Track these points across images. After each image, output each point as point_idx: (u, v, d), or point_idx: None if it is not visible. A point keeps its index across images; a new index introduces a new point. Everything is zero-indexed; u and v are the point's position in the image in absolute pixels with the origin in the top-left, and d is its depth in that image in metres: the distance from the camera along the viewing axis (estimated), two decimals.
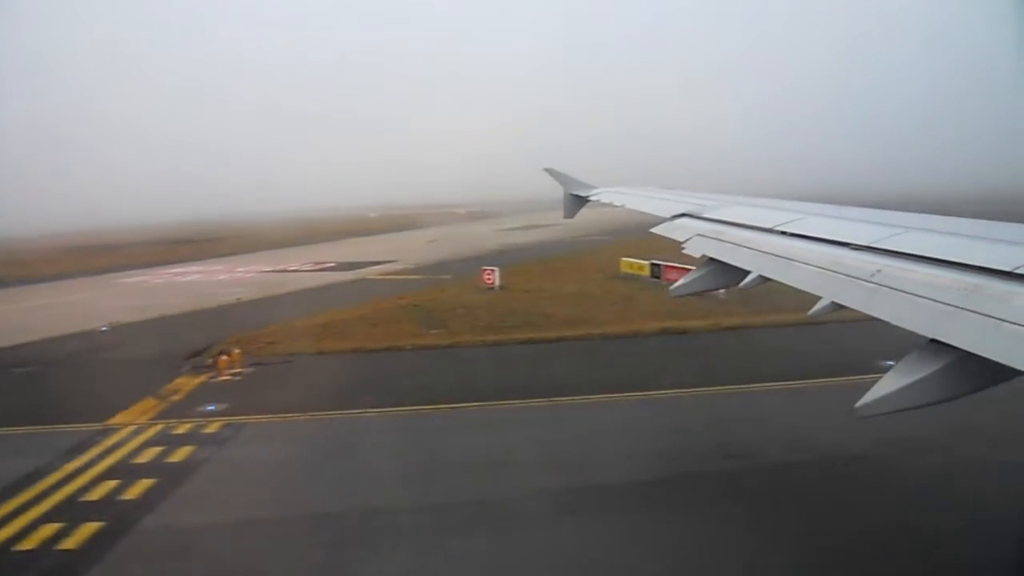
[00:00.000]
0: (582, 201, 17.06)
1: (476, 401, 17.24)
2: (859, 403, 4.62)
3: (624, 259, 37.49)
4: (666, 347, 22.57)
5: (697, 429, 15.03)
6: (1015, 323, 4.25)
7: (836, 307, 5.92)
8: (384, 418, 16.55)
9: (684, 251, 9.68)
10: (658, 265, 33.46)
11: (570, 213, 17.74)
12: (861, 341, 19.35)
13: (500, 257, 46.52)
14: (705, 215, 10.44)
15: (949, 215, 6.89)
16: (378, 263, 50.15)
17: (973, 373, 4.40)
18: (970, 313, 4.59)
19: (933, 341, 4.65)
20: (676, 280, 30.60)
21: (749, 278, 7.59)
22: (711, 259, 8.78)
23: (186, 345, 23.84)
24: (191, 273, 50.43)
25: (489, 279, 35.02)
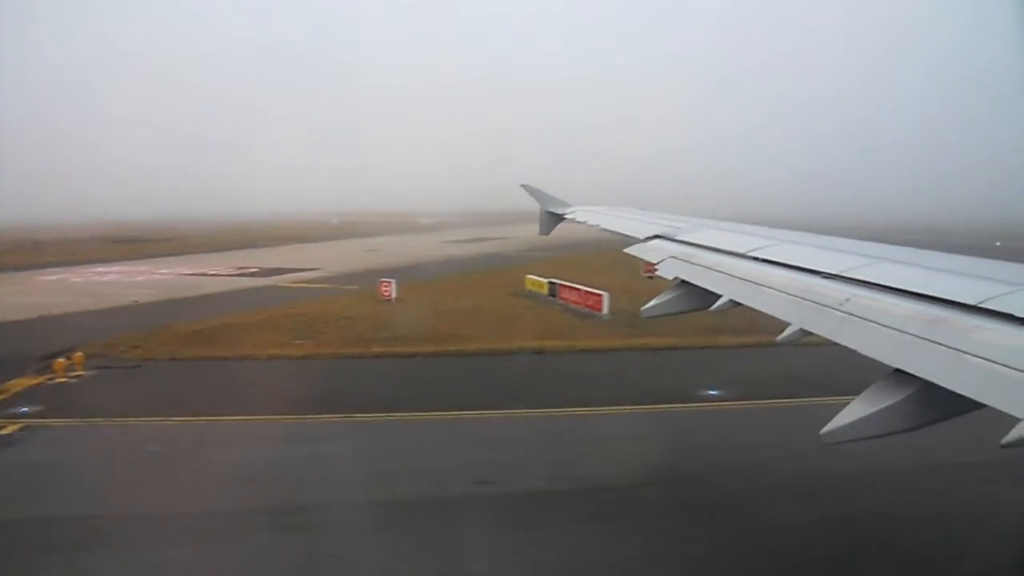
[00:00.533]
0: (558, 219, 17.15)
1: (267, 415, 16.69)
2: (825, 429, 4.67)
3: (528, 276, 37.24)
4: (499, 367, 22.20)
5: (406, 452, 14.59)
6: (976, 355, 4.34)
7: (804, 334, 6.00)
8: (171, 426, 16.23)
9: (656, 273, 9.77)
10: (554, 284, 33.80)
11: (546, 230, 17.81)
12: (706, 369, 20.20)
13: (419, 270, 46.22)
14: (679, 237, 10.55)
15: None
16: (300, 270, 49.41)
17: (935, 403, 4.47)
18: (934, 344, 4.67)
19: (898, 371, 4.73)
20: (570, 300, 32.20)
21: (720, 302, 7.67)
22: (683, 281, 8.86)
23: (48, 346, 22.81)
24: (112, 273, 49.28)
25: (386, 291, 34.23)
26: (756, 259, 8.12)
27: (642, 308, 9.35)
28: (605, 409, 17.05)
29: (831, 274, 6.58)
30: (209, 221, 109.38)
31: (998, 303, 4.69)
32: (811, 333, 5.92)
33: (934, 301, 5.16)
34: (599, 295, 29.80)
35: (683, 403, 17.28)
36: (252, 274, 48.43)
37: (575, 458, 14.04)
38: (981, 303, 4.77)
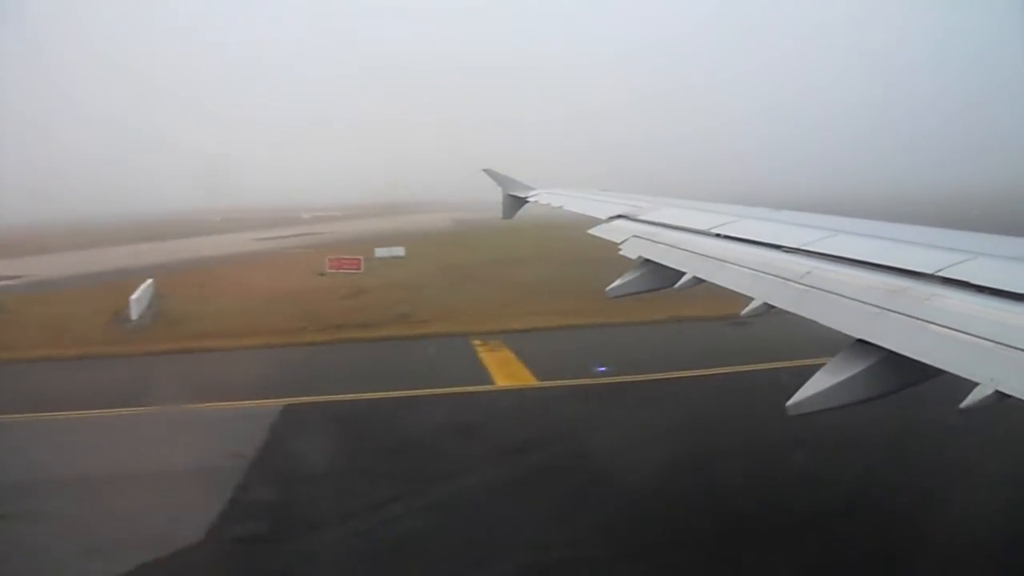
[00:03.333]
0: (520, 202, 17.09)
1: None
2: (791, 401, 4.70)
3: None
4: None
5: None
6: (936, 324, 4.41)
7: (768, 308, 6.04)
8: None
9: (620, 252, 9.75)
10: None
11: (508, 214, 17.75)
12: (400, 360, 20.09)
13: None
14: (641, 217, 10.55)
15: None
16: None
17: (898, 372, 4.53)
18: (895, 314, 4.74)
19: (860, 341, 4.78)
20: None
21: (684, 279, 7.69)
22: (647, 260, 8.87)
23: None
24: None
25: None
26: (718, 236, 8.16)
27: (607, 288, 9.32)
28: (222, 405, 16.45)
29: (792, 248, 6.64)
30: (89, 219, 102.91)
31: (955, 271, 4.77)
32: (774, 307, 5.96)
33: (893, 271, 5.24)
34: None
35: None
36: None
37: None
38: (938, 272, 4.85)
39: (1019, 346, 3.81)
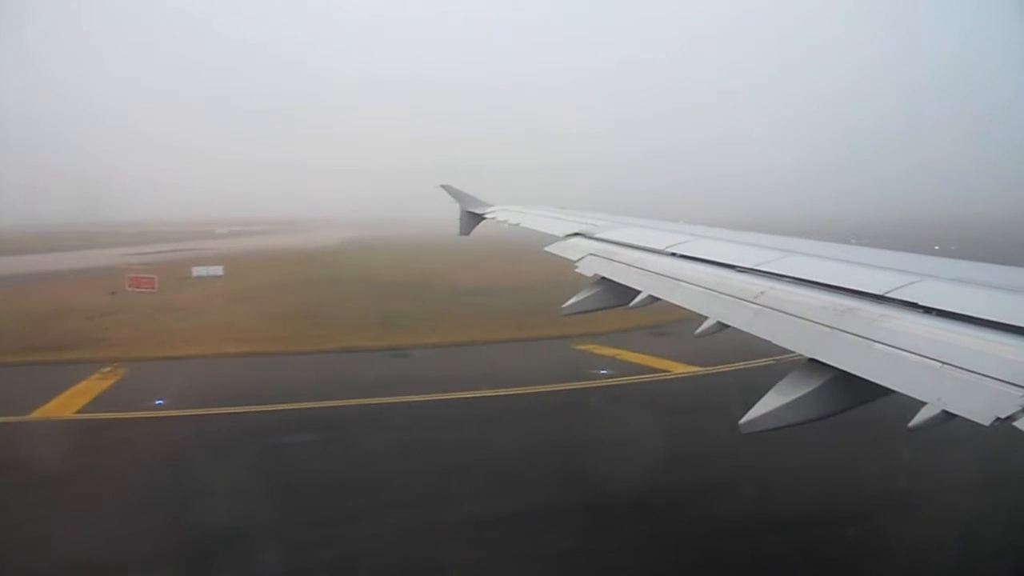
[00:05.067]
0: (478, 218, 17.00)
1: None
2: (744, 419, 4.69)
3: None
4: None
5: None
6: (884, 344, 4.46)
7: (722, 327, 6.06)
8: None
9: (577, 270, 9.74)
10: None
11: (465, 230, 17.61)
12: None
13: None
14: (598, 235, 10.57)
15: None
16: None
17: (848, 391, 4.56)
18: (845, 334, 4.79)
19: (812, 360, 4.81)
20: None
21: (639, 298, 7.69)
22: (603, 278, 8.86)
23: None
24: None
25: None
26: (674, 255, 8.21)
27: (562, 306, 9.28)
28: None
29: (745, 268, 6.70)
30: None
31: (903, 292, 4.86)
32: (728, 326, 5.99)
33: (844, 292, 5.31)
34: None
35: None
36: None
37: None
38: (888, 293, 4.93)
39: (965, 367, 3.87)
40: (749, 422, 4.68)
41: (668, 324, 23.67)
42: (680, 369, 19.70)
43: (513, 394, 17.55)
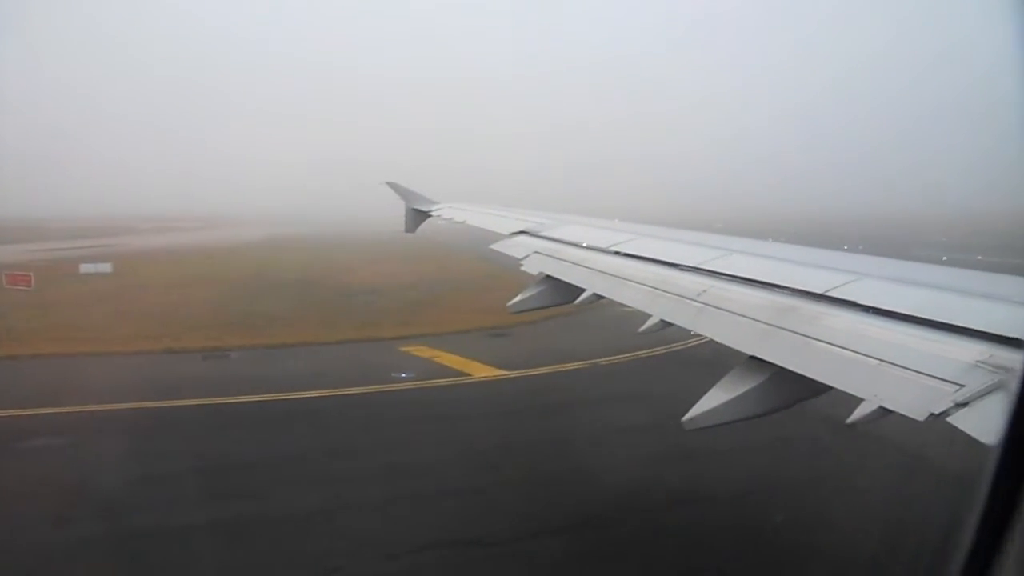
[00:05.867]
0: (423, 216, 16.77)
1: None
2: (686, 416, 4.65)
3: None
4: None
5: None
6: (823, 341, 4.50)
7: (665, 325, 6.05)
8: None
9: (522, 268, 9.66)
10: None
11: (411, 228, 17.34)
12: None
13: None
14: (543, 233, 10.52)
15: None
16: None
17: (788, 388, 4.58)
18: (785, 332, 4.81)
19: (753, 358, 4.82)
20: None
21: (583, 295, 7.67)
22: (548, 276, 8.80)
23: None
24: None
25: None
26: (618, 253, 8.20)
27: (508, 303, 9.18)
28: None
29: (688, 266, 6.72)
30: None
31: (842, 291, 4.91)
32: (671, 324, 5.98)
33: (784, 290, 5.35)
34: None
35: None
36: None
37: None
38: (827, 292, 4.98)
39: (901, 364, 3.91)
40: (691, 419, 4.65)
41: (516, 326, 22.77)
42: (483, 373, 18.34)
43: (275, 399, 16.00)
